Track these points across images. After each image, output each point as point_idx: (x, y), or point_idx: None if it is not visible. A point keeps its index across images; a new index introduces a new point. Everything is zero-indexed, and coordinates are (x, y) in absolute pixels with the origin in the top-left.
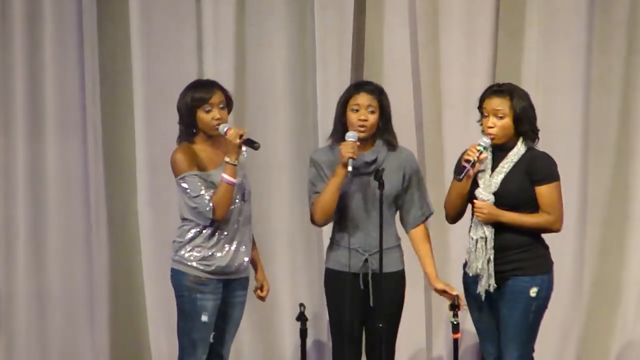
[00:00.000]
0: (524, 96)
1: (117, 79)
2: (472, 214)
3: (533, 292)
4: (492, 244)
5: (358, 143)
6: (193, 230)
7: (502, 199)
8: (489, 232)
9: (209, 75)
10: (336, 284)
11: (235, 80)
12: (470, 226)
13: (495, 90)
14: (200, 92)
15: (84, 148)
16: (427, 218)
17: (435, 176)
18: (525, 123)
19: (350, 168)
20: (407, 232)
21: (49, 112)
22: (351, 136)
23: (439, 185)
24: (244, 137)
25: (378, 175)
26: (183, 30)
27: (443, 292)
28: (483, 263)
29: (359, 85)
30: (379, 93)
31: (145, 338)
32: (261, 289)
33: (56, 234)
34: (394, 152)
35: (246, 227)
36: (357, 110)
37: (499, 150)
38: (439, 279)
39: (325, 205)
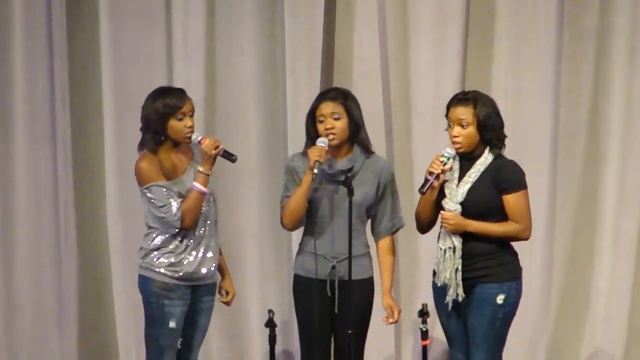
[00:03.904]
0: (489, 103)
1: (86, 85)
2: (441, 224)
3: (500, 299)
4: (461, 254)
5: (326, 148)
6: (160, 237)
7: (469, 208)
8: (457, 242)
9: (179, 82)
10: (304, 290)
11: (205, 87)
12: (439, 236)
13: (459, 98)
14: (172, 99)
15: (53, 155)
16: (396, 230)
17: (405, 184)
18: (489, 130)
19: (315, 171)
20: (375, 241)
21: (18, 119)
22: (321, 141)
23: (409, 193)
24: (220, 149)
25: (347, 181)
26: (153, 37)
27: (386, 309)
28: (451, 273)
29: (322, 95)
30: (343, 98)
31: (114, 345)
32: (226, 294)
33: (25, 241)
34: (370, 160)
35: (213, 231)
36: (322, 121)
37: (466, 159)
38: (392, 296)
39: (292, 209)
